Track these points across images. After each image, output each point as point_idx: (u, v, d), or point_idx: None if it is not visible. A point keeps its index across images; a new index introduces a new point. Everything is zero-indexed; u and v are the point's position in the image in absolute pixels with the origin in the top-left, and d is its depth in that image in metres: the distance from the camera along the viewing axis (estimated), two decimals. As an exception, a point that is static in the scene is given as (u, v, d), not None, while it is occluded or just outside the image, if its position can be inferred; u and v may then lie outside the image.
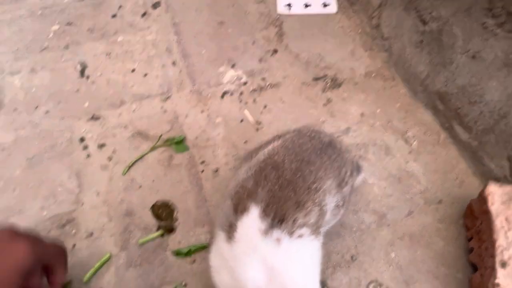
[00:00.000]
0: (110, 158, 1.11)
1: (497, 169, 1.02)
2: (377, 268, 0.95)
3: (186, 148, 1.13)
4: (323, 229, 0.81)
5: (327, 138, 0.87)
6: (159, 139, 1.14)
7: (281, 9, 1.45)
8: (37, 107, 1.21)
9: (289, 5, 1.45)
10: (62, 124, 1.18)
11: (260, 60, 1.33)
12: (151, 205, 1.04)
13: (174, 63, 1.32)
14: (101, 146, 1.14)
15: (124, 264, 0.95)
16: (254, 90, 1.26)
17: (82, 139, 1.15)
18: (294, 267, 0.71)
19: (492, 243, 0.86)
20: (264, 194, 0.73)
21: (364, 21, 1.40)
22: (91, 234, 0.99)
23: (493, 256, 0.84)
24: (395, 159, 1.12)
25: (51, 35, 1.38)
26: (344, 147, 0.91)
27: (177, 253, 0.96)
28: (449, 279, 0.93)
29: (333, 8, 1.45)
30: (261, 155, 0.82)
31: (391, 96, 1.24)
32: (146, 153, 1.12)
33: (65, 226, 1.01)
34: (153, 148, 1.13)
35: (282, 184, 0.74)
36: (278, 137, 0.89)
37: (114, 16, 1.44)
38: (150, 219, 1.02)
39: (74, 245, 0.98)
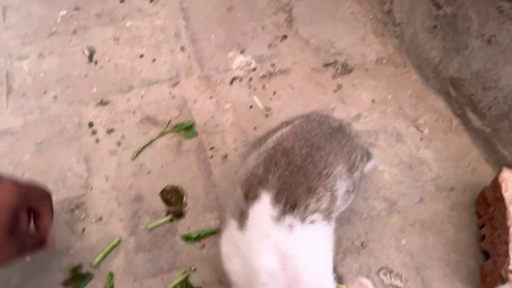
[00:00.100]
0: (118, 143, 1.11)
1: (510, 156, 1.00)
2: (387, 254, 0.94)
3: (195, 134, 1.13)
4: (334, 215, 0.80)
5: (336, 123, 0.86)
6: (168, 125, 1.13)
7: (291, -6, 1.43)
8: (45, 92, 1.21)
9: (299, -10, 1.43)
10: (71, 109, 1.17)
11: (270, 46, 1.31)
12: (160, 190, 1.03)
13: (182, 49, 1.31)
14: (110, 131, 1.13)
15: (133, 248, 0.95)
16: (263, 76, 1.25)
17: (90, 124, 1.14)
18: (307, 253, 0.70)
19: (505, 229, 0.85)
20: (275, 180, 0.72)
21: (375, 7, 1.38)
22: (100, 218, 0.99)
23: (506, 242, 0.83)
24: (406, 146, 1.11)
25: (59, 20, 1.37)
26: (354, 132, 0.90)
27: (187, 238, 0.96)
28: (461, 266, 0.92)
29: (343, -7, 1.43)
30: (270, 142, 0.81)
31: (403, 83, 1.23)
32: (155, 139, 1.12)
33: (74, 210, 1.01)
34: (162, 134, 1.12)
35: (293, 170, 0.73)
36: (286, 123, 0.88)
37: (122, 1, 1.42)
38: (159, 205, 1.01)
39: (83, 229, 0.98)
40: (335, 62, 1.27)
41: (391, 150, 1.10)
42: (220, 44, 1.32)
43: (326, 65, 1.26)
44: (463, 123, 1.12)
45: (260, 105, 1.18)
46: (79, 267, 0.92)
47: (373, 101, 1.19)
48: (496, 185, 0.91)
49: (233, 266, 0.73)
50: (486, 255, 0.91)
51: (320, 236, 0.74)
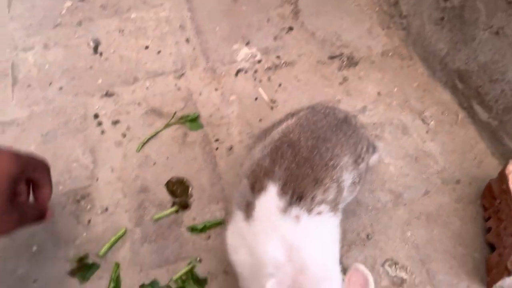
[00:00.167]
0: (124, 135, 1.11)
1: (517, 149, 1.00)
2: (393, 247, 0.94)
3: (200, 126, 1.13)
4: (341, 206, 0.80)
5: (341, 114, 0.85)
6: (173, 116, 1.13)
7: (296, -14, 1.42)
8: (50, 83, 1.21)
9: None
10: (76, 100, 1.17)
11: (275, 38, 1.31)
12: (165, 182, 1.03)
13: (187, 40, 1.30)
14: (115, 122, 1.13)
15: (139, 239, 0.95)
16: (268, 68, 1.24)
17: (96, 116, 1.14)
18: (313, 244, 0.70)
19: (511, 222, 0.84)
20: (282, 172, 0.72)
21: (381, -1, 1.37)
22: (106, 209, 1.00)
23: (512, 235, 0.83)
24: (412, 138, 1.10)
25: (63, 11, 1.37)
26: (359, 123, 0.90)
27: (192, 229, 0.96)
28: (466, 259, 0.92)
29: (349, -15, 1.42)
30: (276, 134, 0.81)
31: (409, 75, 1.22)
32: (160, 130, 1.12)
33: (80, 201, 1.01)
34: (167, 125, 1.12)
35: (299, 162, 0.73)
36: (292, 115, 0.87)
37: (126, -8, 1.42)
38: (164, 196, 1.02)
39: (89, 220, 0.98)
40: (341, 54, 1.26)
41: (397, 143, 1.09)
42: (225, 36, 1.31)
43: (332, 57, 1.26)
44: (470, 116, 1.12)
45: (266, 97, 1.18)
46: (85, 257, 0.93)
47: (379, 93, 1.18)
48: (502, 178, 0.90)
49: (239, 257, 0.73)
50: (492, 247, 0.91)
51: (326, 227, 0.74)
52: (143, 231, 0.96)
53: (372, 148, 0.93)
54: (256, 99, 1.18)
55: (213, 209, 0.99)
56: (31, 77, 1.22)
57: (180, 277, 0.90)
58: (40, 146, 1.08)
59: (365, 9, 1.37)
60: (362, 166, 0.85)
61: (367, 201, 1.00)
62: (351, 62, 1.25)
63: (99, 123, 1.13)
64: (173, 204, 1.00)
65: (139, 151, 1.08)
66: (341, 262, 0.90)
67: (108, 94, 1.18)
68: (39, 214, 0.72)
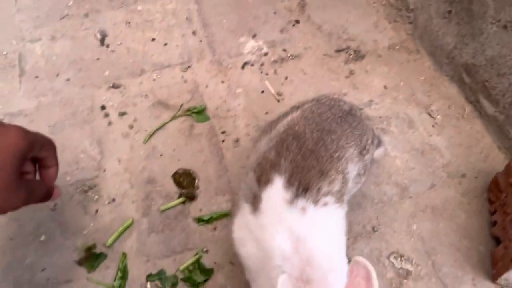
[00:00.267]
0: (131, 127, 1.12)
1: (524, 143, 1.00)
2: (398, 239, 0.95)
3: (206, 118, 1.13)
4: (346, 197, 0.81)
5: (346, 106, 0.85)
6: (179, 109, 1.14)
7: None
8: (58, 74, 1.21)
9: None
10: (83, 92, 1.18)
11: (282, 31, 1.31)
12: (172, 173, 1.04)
13: (194, 33, 1.30)
14: (122, 114, 1.14)
15: (146, 230, 0.96)
16: (275, 61, 1.24)
17: (103, 107, 1.15)
18: (320, 235, 0.70)
19: (518, 216, 0.85)
20: (287, 164, 0.73)
21: (388, -8, 1.37)
22: (113, 200, 1.00)
23: (518, 228, 0.83)
24: (418, 132, 1.10)
25: (70, 2, 1.37)
26: (364, 114, 0.90)
27: (199, 220, 0.97)
28: (471, 252, 0.93)
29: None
30: (281, 127, 0.81)
31: (415, 69, 1.22)
32: (167, 122, 1.12)
33: (87, 192, 1.02)
34: (174, 117, 1.13)
35: (305, 154, 0.74)
36: (296, 107, 0.87)
37: (133, -16, 1.42)
38: (171, 187, 1.02)
39: (96, 211, 0.99)
40: (348, 48, 1.26)
41: (403, 137, 1.09)
42: (232, 28, 1.31)
43: (338, 50, 1.26)
44: (476, 110, 1.12)
45: (272, 90, 1.18)
46: (93, 246, 0.94)
47: (385, 87, 1.18)
48: (509, 171, 0.90)
49: (246, 250, 0.73)
50: (497, 241, 0.91)
51: (332, 218, 0.74)
52: (150, 222, 0.97)
53: (377, 140, 0.93)
54: (262, 92, 1.18)
55: (220, 200, 1.00)
56: (38, 68, 1.22)
57: (187, 267, 0.91)
58: (47, 137, 1.09)
59: (372, 3, 1.37)
60: (367, 157, 0.85)
61: (373, 194, 1.01)
62: (358, 55, 1.25)
63: (106, 115, 1.14)
64: (180, 195, 1.01)
65: (146, 142, 1.09)
66: (346, 254, 0.91)
67: (115, 86, 1.19)
68: (46, 192, 0.71)
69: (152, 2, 1.37)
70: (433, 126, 1.11)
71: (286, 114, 0.87)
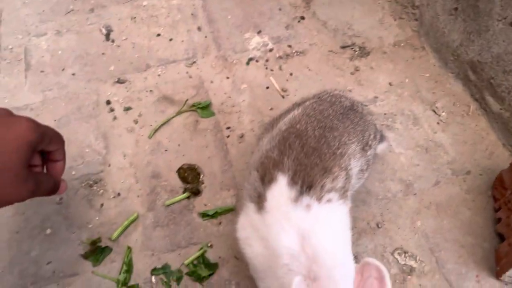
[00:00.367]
0: (136, 121, 1.12)
1: (529, 141, 1.00)
2: (402, 235, 0.95)
3: (211, 113, 1.13)
4: (349, 193, 0.81)
5: (347, 102, 0.85)
6: (184, 104, 1.14)
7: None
8: (63, 69, 1.21)
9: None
10: (89, 86, 1.18)
11: (287, 27, 1.31)
12: (177, 168, 1.04)
13: (199, 28, 1.31)
14: (127, 109, 1.14)
15: (151, 224, 0.97)
16: (280, 57, 1.24)
17: (108, 102, 1.15)
18: (325, 232, 0.70)
19: (522, 213, 0.85)
20: (290, 162, 0.72)
21: (394, -11, 1.37)
22: (118, 194, 1.01)
23: (523, 225, 0.83)
24: (422, 129, 1.10)
25: (76, -3, 1.38)
26: (366, 109, 0.89)
27: (203, 215, 0.97)
28: (475, 249, 0.93)
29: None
30: (282, 125, 0.81)
31: (421, 66, 1.22)
32: (172, 117, 1.12)
33: (92, 186, 1.02)
34: (179, 113, 1.13)
35: (307, 152, 0.74)
36: (298, 104, 0.87)
37: (138, -20, 1.42)
38: (176, 182, 1.03)
39: (102, 205, 0.99)
40: (353, 44, 1.26)
41: (408, 133, 1.09)
42: (237, 24, 1.32)
43: (344, 47, 1.26)
44: (481, 107, 1.12)
45: (277, 86, 1.18)
46: (98, 240, 0.94)
47: (390, 84, 1.18)
48: (514, 169, 0.90)
49: (252, 250, 0.73)
50: (501, 238, 0.91)
51: (337, 214, 0.74)
52: (155, 216, 0.97)
53: (379, 135, 0.93)
54: (267, 87, 1.18)
55: (224, 195, 1.00)
56: (44, 62, 1.23)
57: (192, 262, 0.91)
58: (53, 131, 1.09)
59: (377, -1, 1.36)
60: (370, 153, 0.86)
61: (377, 191, 1.01)
62: (363, 52, 1.25)
63: (111, 109, 1.14)
64: (185, 190, 1.01)
65: (151, 137, 1.09)
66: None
67: (120, 81, 1.19)
68: (54, 186, 0.71)
69: (157, -3, 1.38)
70: (438, 123, 1.11)
71: (287, 112, 0.87)
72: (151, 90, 1.18)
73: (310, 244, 0.66)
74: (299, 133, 0.76)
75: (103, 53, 1.25)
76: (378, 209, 0.98)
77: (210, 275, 0.90)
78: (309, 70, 1.21)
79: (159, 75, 1.21)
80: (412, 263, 0.91)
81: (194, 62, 1.23)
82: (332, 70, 1.21)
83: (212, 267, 0.91)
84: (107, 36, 1.29)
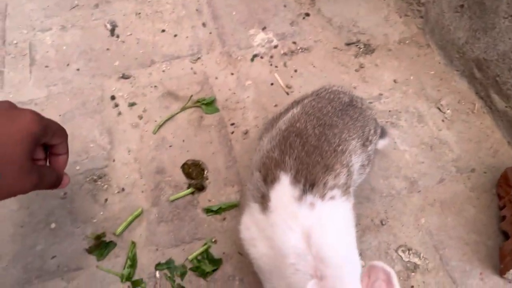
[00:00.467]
0: (140, 117, 1.12)
1: (534, 139, 0.99)
2: (406, 233, 0.95)
3: (216, 109, 1.13)
4: (352, 189, 0.80)
5: (346, 97, 0.85)
6: (189, 100, 1.14)
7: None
8: (68, 64, 1.22)
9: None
10: (93, 82, 1.18)
11: (292, 24, 1.30)
12: (181, 164, 1.04)
13: (204, 24, 1.30)
14: (132, 104, 1.14)
15: (156, 219, 0.97)
16: (284, 54, 1.24)
17: (113, 97, 1.15)
18: (329, 230, 0.70)
19: (527, 211, 0.85)
20: (292, 162, 0.72)
21: (399, -14, 1.36)
22: (123, 189, 1.01)
23: (528, 223, 0.83)
24: (427, 126, 1.10)
25: (81, -7, 1.37)
26: (365, 104, 0.89)
27: (208, 211, 0.97)
28: (479, 246, 0.93)
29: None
30: (282, 124, 0.81)
31: (426, 64, 1.21)
32: (177, 113, 1.12)
33: (97, 181, 1.02)
34: (183, 108, 1.13)
35: (308, 150, 0.74)
36: (297, 102, 0.87)
37: (143, -25, 1.42)
38: (180, 178, 1.03)
39: (106, 200, 0.99)
40: (358, 41, 1.26)
41: (412, 131, 1.09)
42: (242, 20, 1.31)
43: (348, 44, 1.25)
44: (486, 105, 1.11)
45: (281, 83, 1.18)
46: (102, 235, 0.94)
47: (395, 81, 1.18)
48: (519, 167, 0.90)
49: (257, 250, 0.73)
50: (506, 235, 0.91)
51: (340, 211, 0.74)
52: (159, 211, 0.98)
53: (380, 130, 0.92)
54: (271, 84, 1.18)
55: (229, 191, 1.00)
56: (48, 58, 1.23)
57: (196, 257, 0.91)
58: (58, 126, 1.09)
59: (383, -4, 1.36)
60: (371, 148, 0.85)
61: (381, 188, 1.01)
62: (368, 49, 1.24)
63: (116, 105, 1.14)
64: (189, 186, 1.01)
65: (155, 133, 1.09)
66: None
67: (124, 76, 1.19)
68: (56, 179, 0.71)
69: (162, -7, 1.38)
70: (442, 120, 1.11)
71: (286, 110, 0.87)
72: (155, 86, 1.18)
73: (316, 243, 0.66)
74: (299, 131, 0.76)
75: (107, 49, 1.25)
76: (382, 206, 0.98)
77: (214, 270, 0.90)
78: (314, 67, 1.21)
79: (163, 71, 1.21)
80: (416, 260, 0.91)
81: (198, 58, 1.23)
82: (337, 67, 1.21)
83: (216, 263, 0.91)
84: (112, 32, 1.29)
